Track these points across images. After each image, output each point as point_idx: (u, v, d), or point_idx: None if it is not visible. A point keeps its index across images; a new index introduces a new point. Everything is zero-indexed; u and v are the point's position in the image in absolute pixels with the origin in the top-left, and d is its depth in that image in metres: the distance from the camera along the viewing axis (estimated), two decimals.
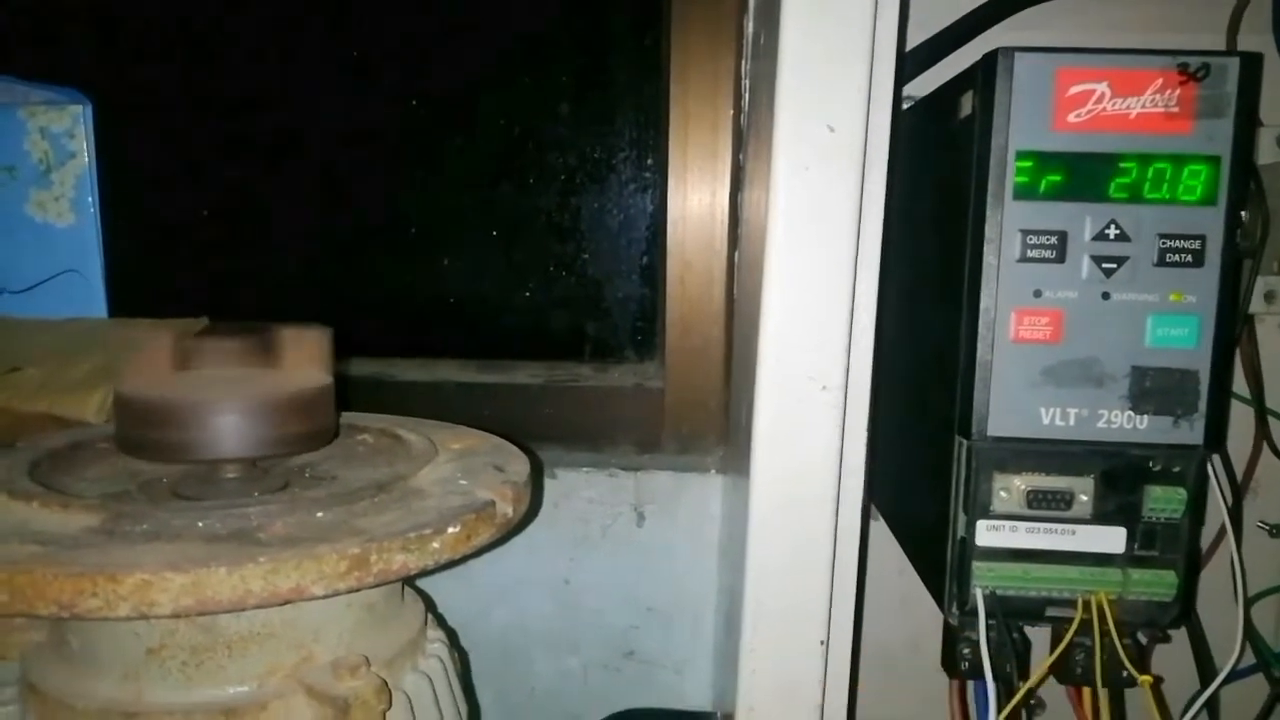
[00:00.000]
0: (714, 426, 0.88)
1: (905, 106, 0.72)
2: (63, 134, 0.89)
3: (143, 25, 0.96)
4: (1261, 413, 0.72)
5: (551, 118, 0.93)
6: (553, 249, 0.95)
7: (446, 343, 0.96)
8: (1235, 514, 0.73)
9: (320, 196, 0.97)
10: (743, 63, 0.82)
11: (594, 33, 0.94)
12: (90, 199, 0.90)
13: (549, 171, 0.94)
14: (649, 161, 0.92)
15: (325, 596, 0.40)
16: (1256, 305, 0.68)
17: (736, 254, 0.86)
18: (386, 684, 0.45)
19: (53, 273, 0.90)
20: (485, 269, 0.97)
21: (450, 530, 0.43)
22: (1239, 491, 0.73)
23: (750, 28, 0.79)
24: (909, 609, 0.80)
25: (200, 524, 0.42)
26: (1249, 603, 0.71)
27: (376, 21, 0.94)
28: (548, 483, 0.85)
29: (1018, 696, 0.56)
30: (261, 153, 0.97)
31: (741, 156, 0.84)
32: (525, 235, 0.95)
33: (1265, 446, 0.73)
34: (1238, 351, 0.71)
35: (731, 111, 0.84)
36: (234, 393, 0.48)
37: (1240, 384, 0.72)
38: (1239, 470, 0.73)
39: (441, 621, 0.62)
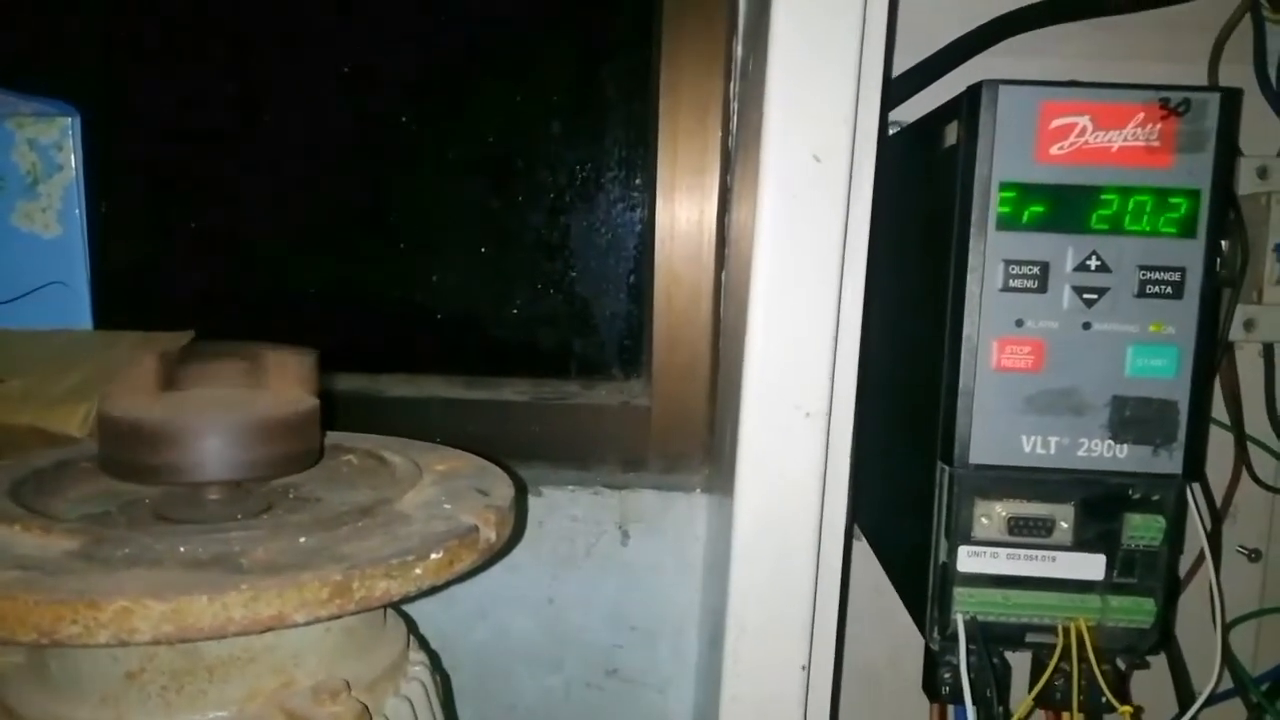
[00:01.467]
0: (699, 445, 0.89)
1: (892, 132, 0.73)
2: (50, 146, 0.88)
3: (129, 35, 0.96)
4: (1241, 439, 0.73)
5: (541, 135, 0.94)
6: (541, 266, 0.95)
7: (433, 359, 0.96)
8: (1214, 539, 0.73)
9: (307, 211, 0.97)
10: (731, 85, 0.83)
11: (584, 51, 0.94)
12: (77, 211, 0.90)
13: (538, 188, 0.94)
14: (637, 180, 0.93)
15: (307, 624, 0.40)
16: (1236, 333, 0.69)
17: (724, 273, 0.86)
18: (367, 709, 0.45)
19: (38, 284, 0.90)
20: (473, 285, 0.97)
21: (433, 556, 0.43)
22: (1218, 517, 0.74)
23: (739, 51, 0.80)
24: (888, 626, 0.80)
25: (181, 549, 0.42)
26: (1228, 627, 0.72)
27: (363, 39, 0.94)
28: (533, 501, 0.85)
29: None
30: (248, 167, 0.97)
31: (729, 177, 0.85)
32: (513, 252, 0.95)
33: (1245, 472, 0.74)
34: (1218, 378, 0.72)
35: (720, 133, 0.85)
36: (218, 415, 0.48)
37: (1221, 411, 0.73)
38: (1219, 496, 0.74)
39: (424, 644, 0.62)
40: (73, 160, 0.89)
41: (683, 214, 0.87)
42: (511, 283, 0.96)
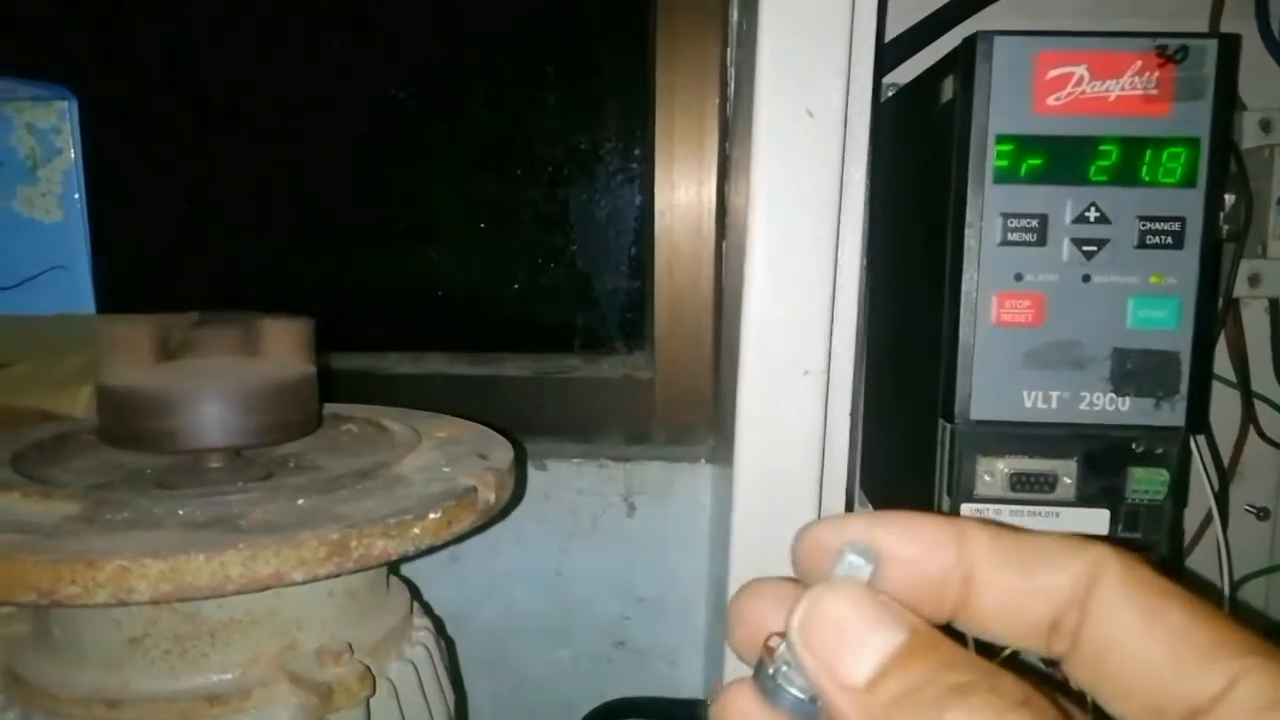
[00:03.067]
0: (703, 416, 0.88)
1: (889, 94, 0.72)
2: (49, 130, 0.89)
3: (126, 20, 0.96)
4: (1248, 396, 0.72)
5: (539, 109, 0.93)
6: (541, 241, 0.95)
7: (436, 336, 0.96)
8: (1221, 498, 0.73)
9: (308, 190, 0.97)
10: (728, 51, 0.82)
11: (581, 22, 0.93)
12: (77, 195, 0.90)
13: (537, 163, 0.94)
14: (636, 152, 0.92)
15: (305, 582, 0.40)
16: (1241, 289, 0.68)
17: (724, 243, 0.86)
18: (370, 671, 0.45)
19: (41, 269, 0.90)
20: (474, 261, 0.97)
21: (431, 516, 0.43)
22: (1225, 476, 0.73)
23: (734, 15, 0.79)
24: None
25: (180, 512, 0.42)
26: (1236, 585, 0.72)
27: (361, 13, 0.94)
28: (538, 475, 0.85)
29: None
30: (248, 147, 0.97)
31: (728, 145, 0.84)
32: (513, 227, 0.95)
33: (1252, 430, 0.73)
34: (1223, 335, 0.71)
35: (718, 100, 0.84)
36: (215, 382, 0.48)
37: (1227, 368, 0.72)
38: (1226, 454, 0.73)
39: (428, 610, 0.62)
40: (72, 144, 0.89)
41: (681, 184, 0.87)
42: (513, 259, 0.96)
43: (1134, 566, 0.20)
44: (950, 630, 0.21)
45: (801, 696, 0.20)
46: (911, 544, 0.21)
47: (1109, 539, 0.54)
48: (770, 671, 0.21)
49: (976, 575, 0.21)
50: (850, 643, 0.19)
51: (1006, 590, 0.21)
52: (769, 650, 0.21)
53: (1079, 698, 0.22)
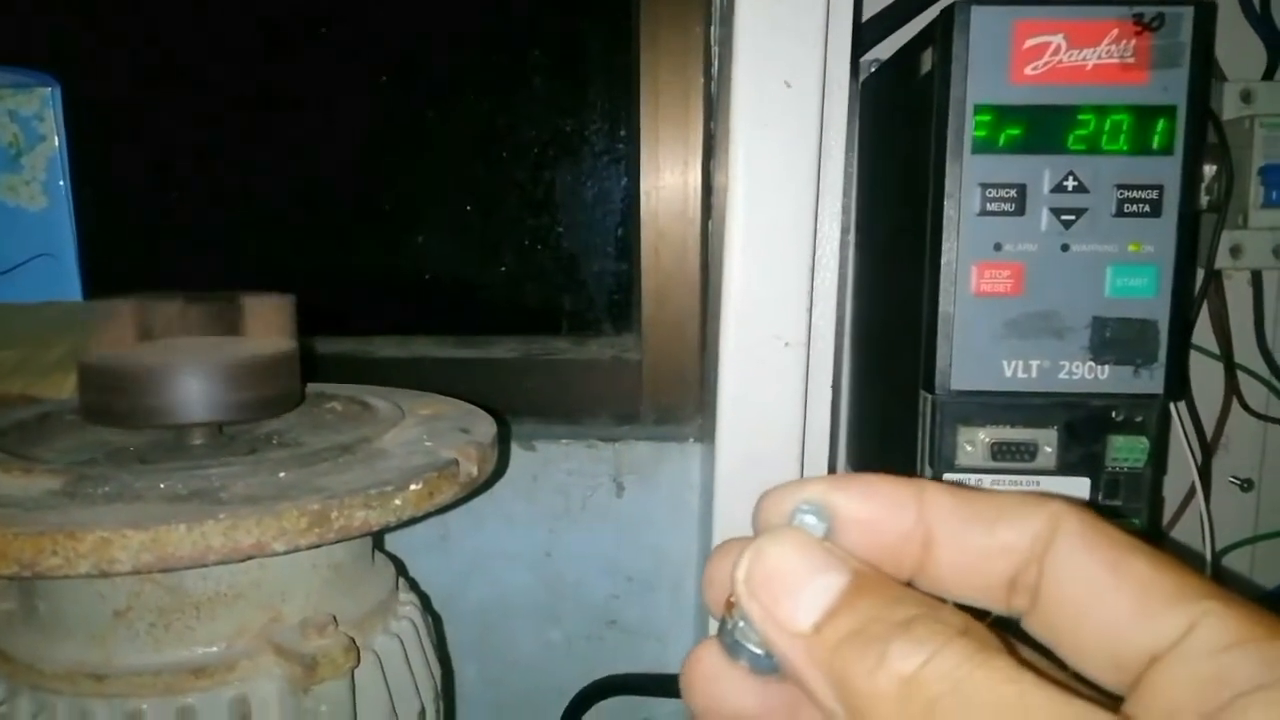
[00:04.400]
0: (691, 396, 0.89)
1: (872, 70, 0.73)
2: (32, 117, 0.88)
3: (111, 4, 0.96)
4: (1230, 367, 0.73)
5: (524, 91, 0.93)
6: (528, 223, 0.95)
7: (423, 319, 0.96)
8: (1204, 470, 0.73)
9: (294, 174, 0.97)
10: (712, 29, 0.82)
11: (565, 3, 0.93)
12: (62, 182, 0.90)
13: (523, 146, 0.94)
14: (621, 133, 0.92)
15: (287, 553, 0.40)
16: (1223, 260, 0.69)
17: (710, 223, 0.86)
18: (355, 643, 0.45)
19: (26, 257, 0.90)
20: (461, 245, 0.97)
21: (413, 487, 0.44)
22: (1208, 448, 0.74)
23: None
24: None
25: (162, 485, 0.42)
26: (1219, 555, 0.72)
27: (341, 2, 0.93)
28: (527, 455, 0.85)
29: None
30: (234, 132, 0.97)
31: (713, 124, 0.84)
32: (500, 210, 0.95)
33: (1235, 401, 0.73)
34: (1205, 307, 0.72)
35: (702, 80, 0.84)
36: (196, 358, 0.48)
37: (1210, 340, 0.73)
38: (1209, 426, 0.74)
39: (414, 586, 0.62)
40: (55, 131, 0.89)
41: (666, 166, 0.87)
42: (499, 241, 0.96)
43: (1090, 521, 0.20)
44: None
45: (759, 651, 0.20)
46: (870, 504, 0.21)
47: (1091, 507, 0.55)
48: (729, 627, 0.21)
49: (936, 535, 0.21)
50: (793, 589, 0.19)
51: (965, 549, 0.21)
52: (729, 607, 0.21)
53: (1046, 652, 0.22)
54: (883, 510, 0.21)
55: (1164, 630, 0.18)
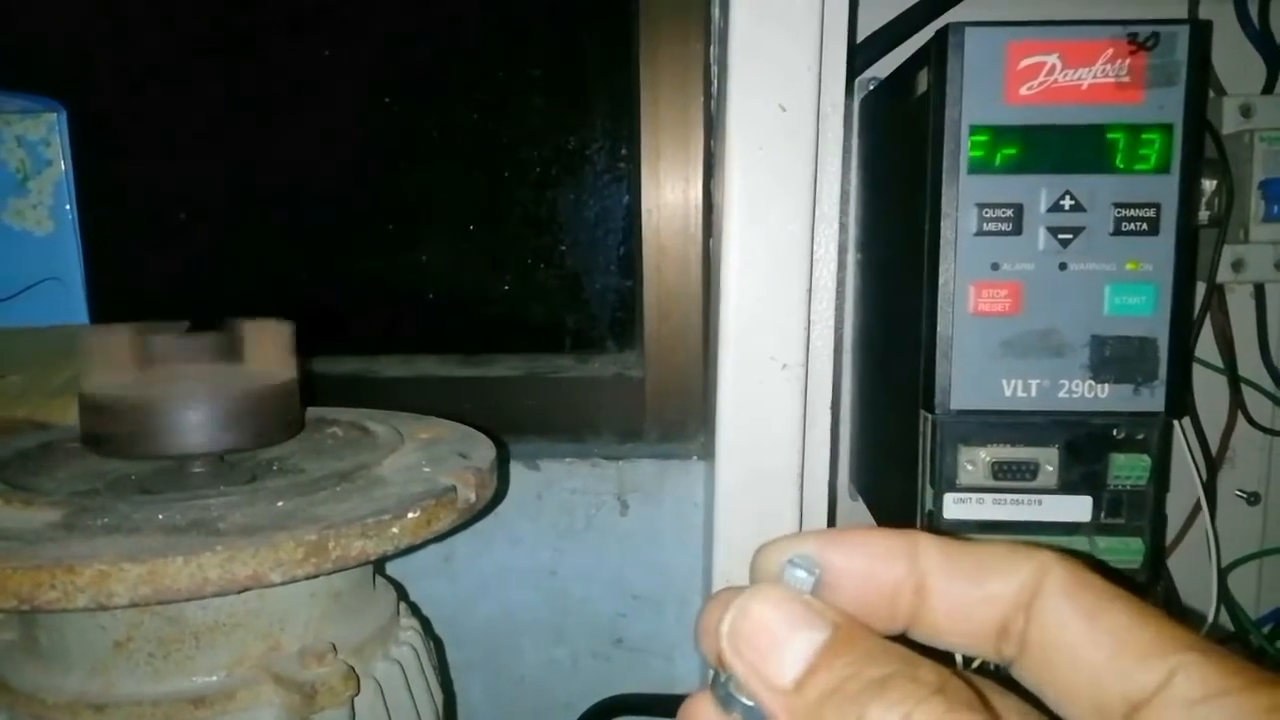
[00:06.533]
0: (694, 413, 0.89)
1: (870, 88, 0.73)
2: (39, 142, 0.89)
3: (115, 29, 0.96)
4: (1235, 382, 0.72)
5: (526, 110, 0.94)
6: (531, 241, 0.95)
7: (427, 338, 0.96)
8: (1209, 485, 0.73)
9: (299, 195, 0.98)
10: (711, 49, 0.83)
11: (566, 22, 0.94)
12: (68, 206, 0.90)
13: (525, 164, 0.94)
14: (623, 151, 0.92)
15: (284, 583, 0.40)
16: (1225, 274, 0.68)
17: (711, 240, 0.86)
18: (354, 670, 0.45)
19: (33, 281, 0.90)
20: (464, 263, 0.97)
21: (410, 515, 0.44)
22: (1213, 462, 0.73)
23: (716, 12, 0.79)
24: None
25: (160, 516, 0.42)
26: (1225, 571, 0.72)
27: (349, 13, 0.94)
28: (531, 474, 0.85)
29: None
30: (237, 151, 0.97)
31: (713, 143, 0.85)
32: (503, 228, 0.96)
33: (1240, 416, 0.73)
34: (1209, 321, 0.71)
35: (702, 98, 0.84)
36: (196, 388, 0.48)
37: (1214, 354, 0.72)
38: (1214, 440, 0.73)
39: (416, 610, 0.62)
40: (61, 156, 0.90)
41: (668, 183, 0.87)
42: (502, 260, 0.96)
43: (1077, 571, 0.20)
44: (906, 641, 0.21)
45: (750, 704, 0.20)
46: (863, 558, 0.21)
47: (1092, 525, 0.54)
48: (723, 679, 0.21)
49: (928, 585, 0.21)
50: (775, 645, 0.20)
51: (957, 598, 0.21)
52: (722, 660, 0.21)
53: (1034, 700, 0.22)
54: (876, 563, 0.21)
55: (1143, 680, 0.18)
